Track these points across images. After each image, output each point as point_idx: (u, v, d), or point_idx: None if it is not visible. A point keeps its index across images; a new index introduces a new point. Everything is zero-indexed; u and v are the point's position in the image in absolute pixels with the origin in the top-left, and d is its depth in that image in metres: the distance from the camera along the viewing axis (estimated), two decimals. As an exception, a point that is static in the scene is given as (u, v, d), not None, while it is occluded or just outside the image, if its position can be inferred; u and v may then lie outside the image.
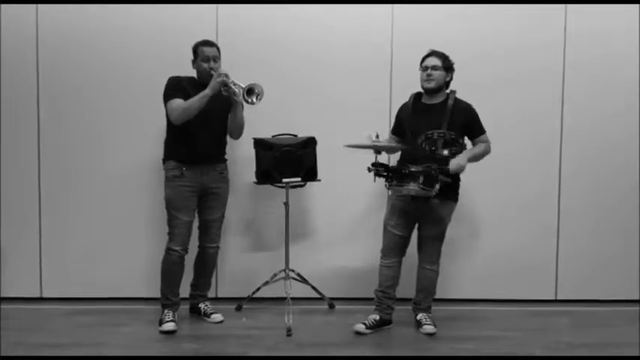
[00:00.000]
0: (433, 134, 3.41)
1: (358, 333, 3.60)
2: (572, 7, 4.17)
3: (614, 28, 4.19)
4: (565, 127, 4.24)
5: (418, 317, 3.69)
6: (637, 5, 4.18)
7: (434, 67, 3.51)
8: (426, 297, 3.70)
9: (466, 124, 3.54)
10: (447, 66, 3.55)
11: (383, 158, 3.82)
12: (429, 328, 3.59)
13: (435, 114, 3.52)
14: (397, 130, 3.75)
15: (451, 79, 3.60)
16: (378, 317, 3.67)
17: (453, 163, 3.41)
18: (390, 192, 3.67)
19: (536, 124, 4.24)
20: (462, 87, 4.07)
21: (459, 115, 3.51)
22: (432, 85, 3.52)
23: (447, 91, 3.60)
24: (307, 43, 4.18)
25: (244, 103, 3.51)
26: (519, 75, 4.20)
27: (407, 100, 3.69)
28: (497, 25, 4.20)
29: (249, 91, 3.44)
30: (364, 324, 3.63)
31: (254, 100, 3.46)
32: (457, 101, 3.55)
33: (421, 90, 3.62)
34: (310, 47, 4.18)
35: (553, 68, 4.22)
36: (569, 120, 4.24)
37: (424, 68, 3.54)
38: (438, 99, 3.57)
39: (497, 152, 4.18)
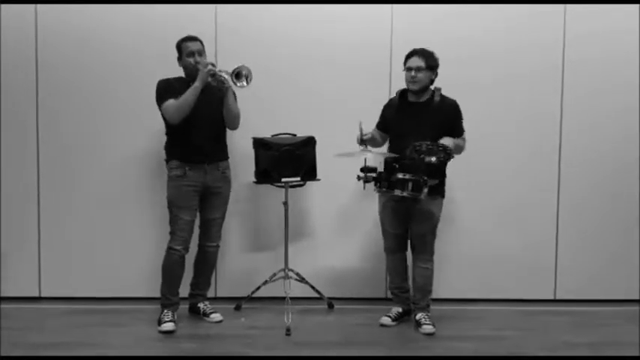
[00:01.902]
0: (422, 146, 3.37)
1: (383, 325, 3.70)
2: (571, 8, 4.17)
3: (613, 28, 4.19)
4: (564, 127, 4.24)
5: (417, 317, 3.69)
6: (635, 5, 4.17)
7: (418, 69, 3.52)
8: (423, 295, 3.71)
9: (451, 121, 3.57)
10: (431, 65, 3.54)
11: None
12: (428, 328, 3.59)
13: (422, 113, 3.56)
14: (382, 126, 3.77)
15: (436, 76, 3.60)
16: (400, 309, 3.78)
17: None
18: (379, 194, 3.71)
19: (535, 123, 4.23)
20: (461, 87, 4.06)
21: (445, 113, 3.56)
22: (416, 87, 3.56)
23: (432, 87, 3.62)
24: (306, 42, 4.18)
25: (235, 87, 3.50)
26: (518, 75, 4.20)
27: (393, 96, 3.74)
28: (496, 26, 4.19)
29: (238, 74, 3.44)
30: (389, 317, 3.73)
31: (244, 83, 3.46)
32: (443, 99, 3.59)
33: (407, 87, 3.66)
34: (309, 47, 4.18)
35: (552, 68, 4.21)
36: (568, 120, 4.23)
37: (408, 69, 3.56)
38: (423, 97, 3.62)
39: (497, 152, 4.20)
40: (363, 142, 3.51)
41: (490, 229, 4.25)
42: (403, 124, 3.58)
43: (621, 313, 4.06)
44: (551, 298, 4.28)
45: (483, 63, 4.18)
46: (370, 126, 3.72)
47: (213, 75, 3.50)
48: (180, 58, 3.64)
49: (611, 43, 4.20)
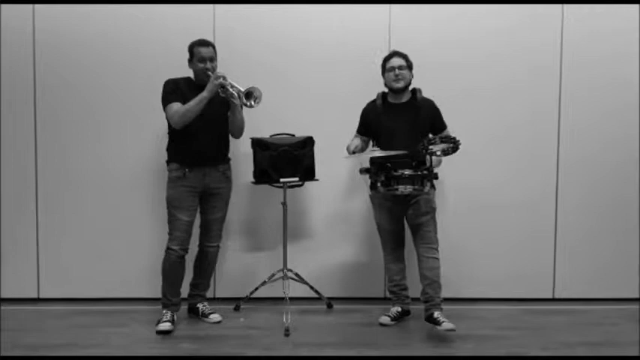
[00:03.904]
0: (436, 140, 3.42)
1: (382, 325, 3.72)
2: (568, 9, 4.17)
3: (611, 28, 4.19)
4: (562, 127, 4.24)
5: (435, 315, 3.54)
6: (633, 5, 4.17)
7: (400, 67, 3.62)
8: (436, 291, 3.60)
9: (432, 119, 3.65)
10: (410, 65, 3.67)
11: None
12: (449, 325, 3.45)
13: (406, 112, 3.64)
14: (363, 130, 3.79)
15: (412, 77, 3.70)
16: (399, 309, 3.80)
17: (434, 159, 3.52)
18: (371, 192, 3.71)
19: (533, 124, 4.23)
20: (458, 88, 4.07)
21: (426, 111, 3.64)
22: (401, 84, 3.63)
23: (410, 88, 3.70)
24: (304, 42, 4.18)
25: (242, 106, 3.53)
26: (516, 75, 4.20)
27: (373, 100, 3.76)
28: (493, 26, 4.19)
29: (248, 94, 3.45)
30: (388, 316, 3.75)
31: (252, 103, 3.48)
32: (423, 98, 3.67)
33: (385, 90, 3.72)
34: (307, 47, 4.18)
35: (550, 69, 4.21)
36: (566, 120, 4.24)
37: (391, 69, 3.63)
38: (404, 98, 3.69)
39: (496, 152, 4.19)
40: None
41: (488, 228, 4.25)
42: (391, 125, 3.62)
43: (618, 311, 4.06)
44: (550, 297, 4.29)
45: (481, 63, 4.18)
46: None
47: (223, 87, 3.50)
48: (190, 61, 3.63)
49: (609, 43, 4.20)
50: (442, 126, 3.71)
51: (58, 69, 4.13)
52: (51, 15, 4.10)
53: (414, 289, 3.80)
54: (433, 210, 3.64)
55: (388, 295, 3.95)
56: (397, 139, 3.53)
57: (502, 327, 3.74)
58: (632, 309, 4.09)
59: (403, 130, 3.56)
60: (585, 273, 4.29)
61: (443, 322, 3.48)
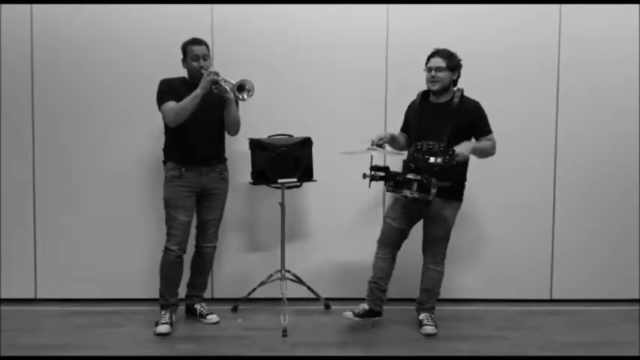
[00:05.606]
0: (422, 146, 3.39)
1: (346, 318, 3.58)
2: (566, 8, 4.17)
3: (608, 28, 4.19)
4: (560, 128, 4.24)
5: (420, 317, 3.67)
6: (632, 5, 4.18)
7: (438, 69, 3.49)
8: (429, 297, 3.68)
9: (472, 122, 3.53)
10: (452, 65, 3.52)
11: (380, 159, 3.84)
12: (429, 329, 3.57)
13: (441, 113, 3.52)
14: (406, 128, 3.75)
15: (458, 76, 3.58)
16: (367, 307, 3.63)
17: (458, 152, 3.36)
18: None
19: (531, 125, 4.23)
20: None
21: (465, 113, 3.51)
22: (436, 87, 3.51)
23: (454, 88, 3.59)
24: (303, 43, 4.18)
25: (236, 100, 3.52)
26: (514, 76, 4.20)
27: (415, 98, 3.70)
28: (492, 27, 4.19)
29: (240, 87, 3.45)
30: (352, 312, 3.60)
31: (245, 96, 3.47)
32: (464, 99, 3.54)
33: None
34: (306, 47, 4.18)
35: (548, 69, 4.22)
36: (564, 121, 4.24)
37: (428, 69, 3.53)
38: (444, 98, 3.57)
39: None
40: (376, 144, 3.47)
41: (485, 229, 4.26)
42: (422, 125, 3.55)
43: (615, 312, 4.07)
44: (547, 298, 4.29)
45: (478, 64, 4.16)
46: (368, 129, 3.70)
47: (216, 83, 3.51)
48: (184, 60, 3.64)
49: (606, 44, 4.20)
50: (484, 130, 3.55)
51: (55, 69, 4.12)
52: (49, 15, 4.09)
53: (393, 290, 3.78)
54: (450, 225, 3.61)
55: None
56: (427, 139, 3.42)
57: (500, 328, 3.74)
58: (631, 310, 4.09)
59: (434, 131, 3.45)
60: (583, 274, 4.28)
61: (425, 325, 3.60)
